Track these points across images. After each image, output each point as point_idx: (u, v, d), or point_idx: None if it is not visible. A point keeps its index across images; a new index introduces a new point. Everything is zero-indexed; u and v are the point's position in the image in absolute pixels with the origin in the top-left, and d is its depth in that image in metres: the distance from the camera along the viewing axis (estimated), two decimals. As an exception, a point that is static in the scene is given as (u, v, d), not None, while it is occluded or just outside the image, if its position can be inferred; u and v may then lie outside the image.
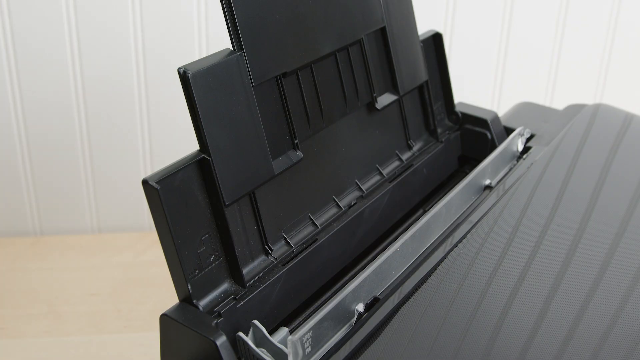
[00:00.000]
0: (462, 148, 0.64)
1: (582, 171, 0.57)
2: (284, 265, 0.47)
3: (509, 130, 0.63)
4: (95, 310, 0.84)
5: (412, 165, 0.59)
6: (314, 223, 0.51)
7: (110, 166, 0.97)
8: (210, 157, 0.43)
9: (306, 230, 0.50)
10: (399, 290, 0.45)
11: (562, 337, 0.41)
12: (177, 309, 0.43)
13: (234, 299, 0.44)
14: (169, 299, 0.85)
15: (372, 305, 0.45)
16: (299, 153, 0.49)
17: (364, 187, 0.55)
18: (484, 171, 0.57)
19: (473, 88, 1.01)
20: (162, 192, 0.41)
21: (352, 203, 0.54)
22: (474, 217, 0.51)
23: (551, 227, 0.50)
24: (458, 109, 0.64)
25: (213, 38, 0.91)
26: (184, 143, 0.96)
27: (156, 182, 0.41)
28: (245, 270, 0.46)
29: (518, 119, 0.67)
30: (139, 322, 0.82)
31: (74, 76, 0.91)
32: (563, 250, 0.48)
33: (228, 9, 0.44)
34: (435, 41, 0.63)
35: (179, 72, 0.42)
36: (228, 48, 0.46)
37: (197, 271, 0.44)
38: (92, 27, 0.89)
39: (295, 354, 0.40)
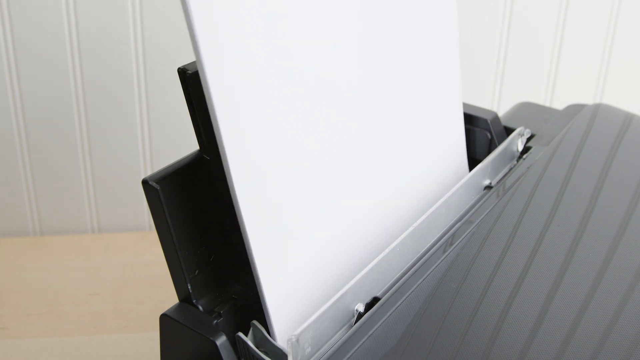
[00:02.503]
0: (462, 148, 0.64)
1: (582, 171, 0.56)
2: (284, 265, 0.47)
3: (509, 130, 0.63)
4: (95, 310, 0.84)
5: (412, 165, 0.59)
6: (314, 223, 0.51)
7: (110, 166, 0.97)
8: (209, 157, 0.43)
9: (306, 230, 0.50)
10: (399, 290, 0.45)
11: (562, 337, 0.41)
12: (177, 309, 0.43)
13: (234, 299, 0.44)
14: (169, 299, 0.85)
15: (372, 305, 0.45)
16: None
17: (364, 187, 0.55)
18: (484, 171, 0.57)
19: (473, 88, 1.01)
20: (162, 192, 0.41)
21: (352, 203, 0.54)
22: (474, 217, 0.51)
23: (551, 227, 0.50)
24: (458, 108, 0.64)
25: (213, 38, 0.91)
26: (184, 143, 0.96)
27: (156, 182, 0.41)
28: (245, 270, 0.46)
29: (518, 119, 0.67)
30: (139, 322, 0.82)
31: (74, 76, 0.91)
32: (563, 250, 0.48)
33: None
34: (435, 41, 0.63)
35: (179, 71, 0.42)
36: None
37: (197, 271, 0.44)
38: (92, 27, 0.89)
39: (295, 354, 0.40)
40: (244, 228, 0.41)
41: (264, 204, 0.43)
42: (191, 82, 0.42)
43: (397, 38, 0.53)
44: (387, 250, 0.47)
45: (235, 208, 0.41)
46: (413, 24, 0.55)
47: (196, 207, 0.43)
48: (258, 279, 0.42)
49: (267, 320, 0.42)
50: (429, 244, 0.51)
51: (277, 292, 0.43)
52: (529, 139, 0.62)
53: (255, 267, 0.42)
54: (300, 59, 0.46)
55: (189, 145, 0.94)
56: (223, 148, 0.39)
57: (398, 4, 0.53)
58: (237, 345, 0.42)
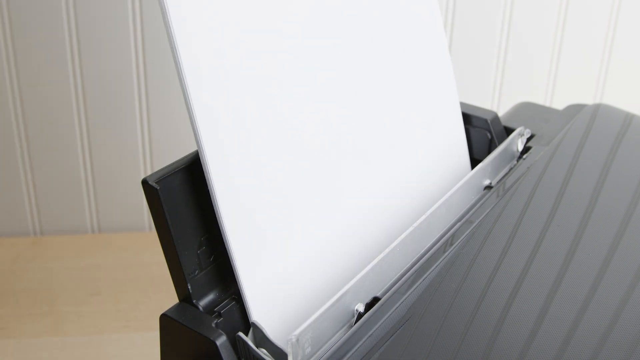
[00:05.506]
0: (462, 148, 0.64)
1: (582, 171, 0.56)
2: (283, 265, 0.47)
3: (509, 130, 0.63)
4: (95, 310, 0.84)
5: (412, 165, 0.59)
6: (314, 223, 0.51)
7: (110, 166, 0.97)
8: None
9: (306, 230, 0.50)
10: (399, 290, 0.45)
11: (562, 336, 0.41)
12: (177, 309, 0.43)
13: (234, 299, 0.44)
14: (169, 299, 0.85)
15: (372, 305, 0.45)
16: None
17: (364, 187, 0.55)
18: (484, 171, 0.57)
19: (473, 88, 1.01)
20: (161, 192, 0.41)
21: (352, 203, 0.54)
22: (474, 217, 0.51)
23: (551, 227, 0.50)
24: (458, 109, 0.64)
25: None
26: (184, 143, 0.96)
27: (156, 182, 0.41)
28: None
29: (518, 119, 0.67)
30: (139, 322, 0.82)
31: (74, 76, 0.91)
32: (563, 250, 0.48)
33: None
34: (435, 41, 0.62)
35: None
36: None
37: (197, 271, 0.44)
38: (92, 27, 0.89)
39: (295, 354, 0.40)
40: (225, 229, 0.42)
41: (252, 204, 0.43)
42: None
43: (385, 40, 0.53)
44: (387, 250, 0.47)
45: (217, 212, 0.41)
46: (398, 25, 0.55)
47: (196, 207, 0.43)
48: (240, 282, 0.42)
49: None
50: (429, 244, 0.51)
51: (260, 296, 0.43)
52: (529, 139, 0.62)
53: (237, 271, 0.42)
54: (294, 58, 0.46)
55: (189, 145, 0.94)
56: (204, 152, 0.41)
57: (380, 7, 0.53)
58: (237, 345, 0.42)
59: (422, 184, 0.56)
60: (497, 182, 0.57)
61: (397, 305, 0.43)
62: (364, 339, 0.41)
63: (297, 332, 0.41)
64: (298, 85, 0.46)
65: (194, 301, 0.43)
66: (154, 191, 0.41)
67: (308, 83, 0.47)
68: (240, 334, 0.42)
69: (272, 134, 0.44)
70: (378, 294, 0.46)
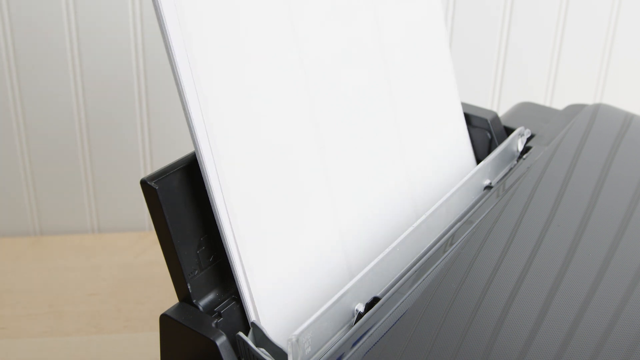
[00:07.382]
0: (462, 148, 0.64)
1: (582, 171, 0.56)
2: (283, 265, 0.47)
3: (509, 130, 0.63)
4: (95, 310, 0.84)
5: (412, 165, 0.59)
6: (313, 223, 0.51)
7: (110, 166, 0.97)
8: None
9: (306, 230, 0.50)
10: (399, 290, 0.45)
11: (562, 337, 0.41)
12: (177, 309, 0.43)
13: (234, 299, 0.44)
14: (169, 299, 0.85)
15: (372, 305, 0.45)
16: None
17: (363, 187, 0.55)
18: (484, 171, 0.57)
19: (473, 88, 1.01)
20: (160, 192, 0.41)
21: (352, 203, 0.54)
22: (474, 217, 0.51)
23: (551, 227, 0.50)
24: (458, 108, 0.64)
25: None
26: (184, 143, 0.96)
27: (154, 182, 0.41)
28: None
29: (518, 119, 0.67)
30: (139, 322, 0.82)
31: (74, 76, 0.91)
32: (563, 250, 0.48)
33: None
34: (435, 41, 0.62)
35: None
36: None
37: (197, 271, 0.44)
38: (92, 27, 0.89)
39: (295, 354, 0.40)
40: (226, 230, 0.41)
41: (251, 204, 0.43)
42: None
43: (389, 42, 0.53)
44: (387, 250, 0.47)
45: (215, 212, 0.41)
46: (401, 27, 0.55)
47: (195, 207, 0.43)
48: (240, 283, 0.42)
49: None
50: (429, 244, 0.51)
51: (260, 295, 0.43)
52: (529, 139, 0.62)
53: (237, 271, 0.42)
54: (300, 57, 0.46)
55: (189, 145, 0.93)
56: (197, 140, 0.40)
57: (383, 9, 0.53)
58: (237, 345, 0.42)
59: (424, 184, 0.56)
60: (497, 182, 0.57)
61: (397, 305, 0.43)
62: (364, 339, 0.41)
63: (297, 332, 0.41)
64: (299, 87, 0.46)
65: (194, 301, 0.43)
66: (153, 191, 0.41)
67: (311, 84, 0.47)
68: (240, 333, 0.42)
69: (272, 132, 0.44)
70: (378, 294, 0.46)
